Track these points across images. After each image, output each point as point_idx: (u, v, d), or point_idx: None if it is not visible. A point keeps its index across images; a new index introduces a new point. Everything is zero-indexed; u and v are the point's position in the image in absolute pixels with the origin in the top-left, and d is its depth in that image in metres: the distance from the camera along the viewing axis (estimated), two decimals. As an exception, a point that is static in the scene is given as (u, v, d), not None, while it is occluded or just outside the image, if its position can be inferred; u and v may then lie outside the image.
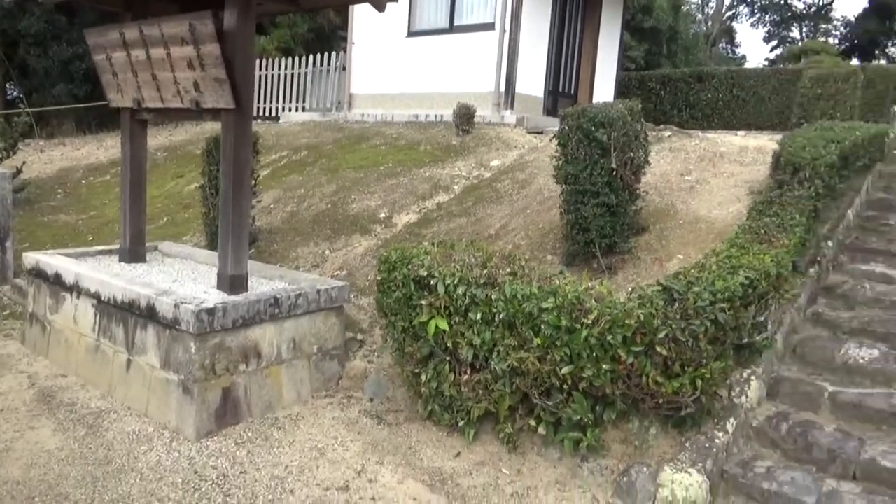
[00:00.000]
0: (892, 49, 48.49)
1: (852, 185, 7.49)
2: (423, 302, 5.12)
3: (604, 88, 16.10)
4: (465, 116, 12.21)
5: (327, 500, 4.33)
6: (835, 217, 6.96)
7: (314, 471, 4.68)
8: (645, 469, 4.41)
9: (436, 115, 13.42)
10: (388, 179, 10.41)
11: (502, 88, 13.49)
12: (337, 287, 6.18)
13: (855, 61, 41.45)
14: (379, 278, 5.61)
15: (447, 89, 13.69)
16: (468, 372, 5.10)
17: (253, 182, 7.71)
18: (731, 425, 4.61)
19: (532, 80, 14.02)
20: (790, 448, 4.61)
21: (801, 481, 4.30)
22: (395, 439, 5.18)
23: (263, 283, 6.32)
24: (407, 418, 5.50)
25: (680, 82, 18.27)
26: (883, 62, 43.90)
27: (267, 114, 18.20)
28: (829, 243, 6.55)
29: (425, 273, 5.12)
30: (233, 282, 5.63)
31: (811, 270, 6.16)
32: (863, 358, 5.20)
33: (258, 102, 17.89)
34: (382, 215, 9.26)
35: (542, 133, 11.93)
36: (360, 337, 6.71)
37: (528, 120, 12.94)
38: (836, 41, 48.18)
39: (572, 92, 15.66)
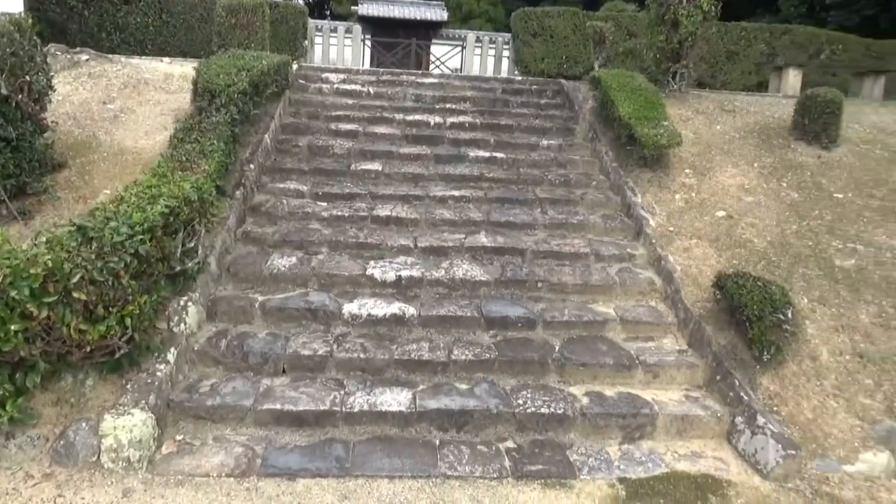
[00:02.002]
0: (307, -9, 54.61)
1: (267, 111, 8.20)
2: None
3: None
4: None
5: None
6: (255, 141, 7.53)
7: None
8: (84, 425, 4.09)
9: None
10: None
11: None
12: None
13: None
14: None
15: None
16: None
17: None
18: (172, 355, 4.62)
19: None
20: (230, 361, 4.92)
21: (241, 388, 4.66)
22: None
23: None
24: None
25: (105, 2, 16.64)
26: (300, 1, 49.33)
27: None
28: (252, 166, 7.07)
29: None
30: None
31: (238, 193, 6.55)
32: (284, 266, 5.86)
33: None
34: None
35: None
36: None
37: None
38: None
39: (-40, 2, 12.60)
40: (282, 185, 7.24)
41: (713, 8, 9.15)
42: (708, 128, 8.39)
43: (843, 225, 6.42)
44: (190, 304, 5.03)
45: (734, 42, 15.35)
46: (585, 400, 4.81)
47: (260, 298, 5.49)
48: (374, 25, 24.87)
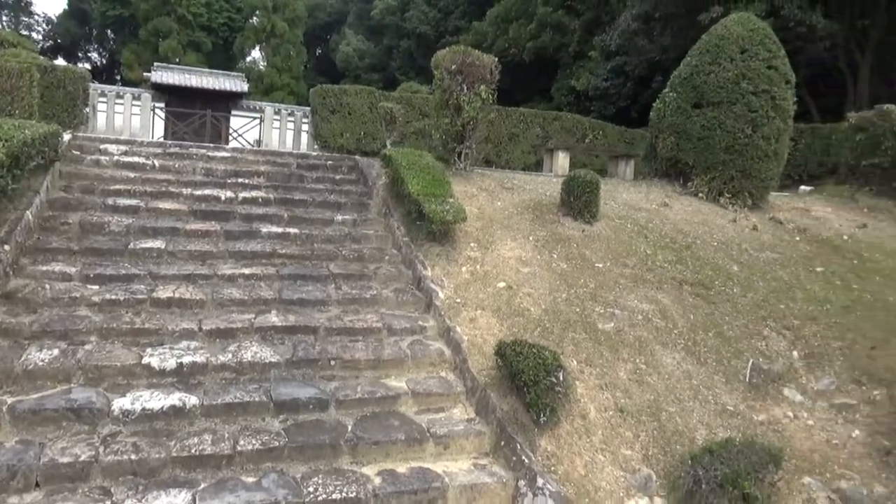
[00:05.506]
0: (94, 54, 51.13)
1: (31, 185, 7.40)
2: None
3: None
4: None
5: None
6: (13, 219, 6.72)
7: None
8: None
9: None
10: None
11: None
12: None
13: (60, 60, 41.72)
14: None
15: None
16: None
17: None
18: None
19: None
20: (-34, 482, 4.21)
21: (-22, 513, 4.00)
22: None
23: None
24: None
25: None
26: (86, 65, 45.75)
27: None
28: (7, 247, 6.27)
29: None
30: None
31: (-13, 278, 5.77)
32: (43, 360, 5.21)
33: None
34: None
35: None
36: None
37: None
38: (41, 37, 47.44)
39: None
40: (45, 268, 6.50)
41: (490, 96, 10.09)
42: (490, 204, 9.09)
43: (603, 292, 7.23)
44: (-87, 414, 4.27)
45: (515, 125, 17.01)
46: (378, 480, 4.80)
47: (9, 400, 4.80)
48: (170, 94, 23.83)
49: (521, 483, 5.00)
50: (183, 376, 5.44)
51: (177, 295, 6.43)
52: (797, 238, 9.40)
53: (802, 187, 13.39)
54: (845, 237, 9.51)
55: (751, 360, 6.49)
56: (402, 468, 5.01)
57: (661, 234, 8.83)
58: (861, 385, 6.29)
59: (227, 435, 4.91)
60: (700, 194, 10.64)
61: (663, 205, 10.05)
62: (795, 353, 6.73)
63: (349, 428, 5.23)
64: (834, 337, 6.92)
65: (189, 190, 8.76)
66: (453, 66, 10.03)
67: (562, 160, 12.85)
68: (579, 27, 28.75)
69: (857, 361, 6.54)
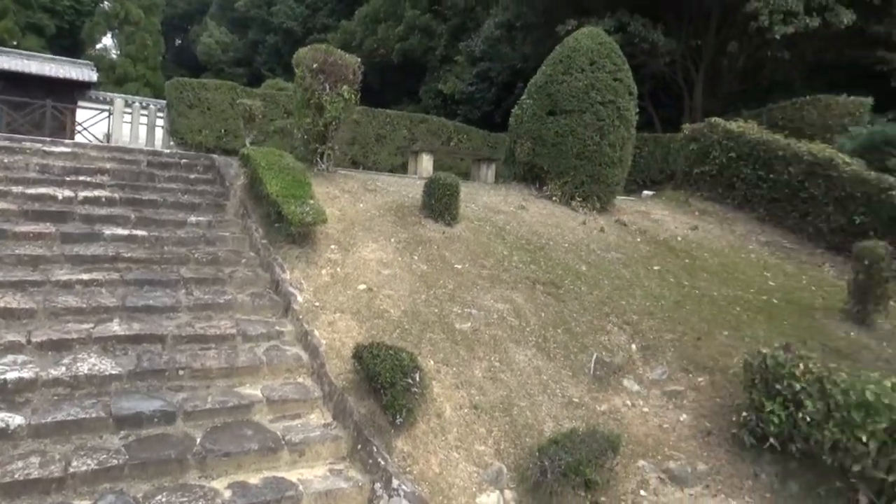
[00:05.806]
0: None
1: None
2: None
3: None
4: None
5: None
6: None
7: None
8: None
9: None
10: None
11: None
12: None
13: None
14: None
15: None
16: None
17: None
18: None
19: None
20: None
21: None
22: None
23: None
24: None
25: None
26: None
27: None
28: None
29: None
30: None
31: None
32: None
33: None
34: None
35: None
36: None
37: None
38: None
39: None
40: None
41: (354, 97, 10.05)
42: (353, 206, 9.05)
43: (461, 292, 7.44)
44: None
45: (381, 127, 17.05)
46: (228, 493, 4.64)
47: None
48: (5, 81, 21.53)
49: (377, 486, 5.05)
50: (7, 394, 4.97)
51: (1, 304, 5.85)
52: (638, 239, 10.19)
53: (645, 192, 14.50)
54: (679, 238, 10.44)
55: (595, 354, 6.95)
56: (254, 479, 4.89)
57: (518, 235, 9.23)
58: (688, 373, 6.95)
59: (58, 456, 4.55)
60: (554, 198, 11.22)
61: (520, 207, 10.50)
62: (634, 346, 7.29)
63: (198, 440, 5.02)
64: (667, 330, 7.58)
65: (20, 188, 7.98)
66: (315, 65, 9.86)
67: (426, 163, 13.05)
68: (446, 32, 29.32)
69: (685, 352, 7.22)
